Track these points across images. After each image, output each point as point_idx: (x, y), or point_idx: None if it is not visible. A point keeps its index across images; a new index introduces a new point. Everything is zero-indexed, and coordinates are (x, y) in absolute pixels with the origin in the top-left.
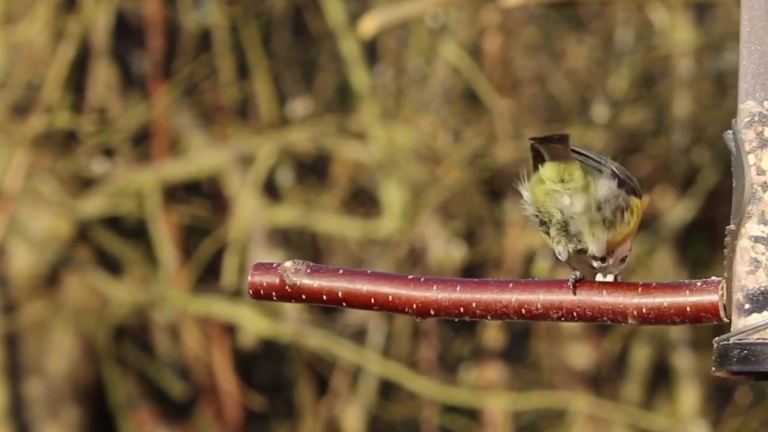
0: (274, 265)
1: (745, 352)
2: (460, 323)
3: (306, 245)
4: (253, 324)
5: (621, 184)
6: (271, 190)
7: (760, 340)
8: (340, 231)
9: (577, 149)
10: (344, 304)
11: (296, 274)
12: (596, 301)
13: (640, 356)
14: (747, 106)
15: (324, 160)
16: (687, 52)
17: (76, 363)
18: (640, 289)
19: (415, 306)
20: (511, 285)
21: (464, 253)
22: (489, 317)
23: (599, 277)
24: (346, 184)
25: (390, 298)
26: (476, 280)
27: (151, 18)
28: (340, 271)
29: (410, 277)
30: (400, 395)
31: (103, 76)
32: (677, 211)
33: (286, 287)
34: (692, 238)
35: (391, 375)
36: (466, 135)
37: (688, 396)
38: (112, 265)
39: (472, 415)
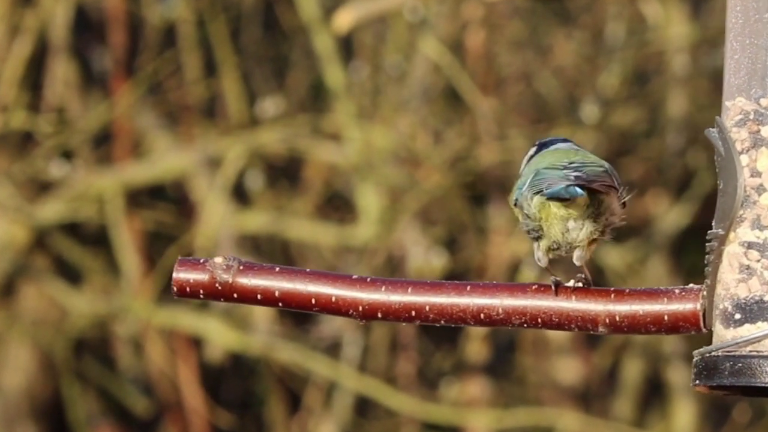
0: (202, 261)
1: (739, 365)
2: (442, 335)
3: (277, 253)
4: (221, 337)
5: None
6: (240, 195)
7: (754, 353)
8: (313, 238)
9: (600, 180)
10: (281, 304)
11: (227, 271)
12: (564, 307)
13: (632, 370)
14: (738, 103)
15: (296, 163)
16: (682, 48)
17: (33, 378)
18: (612, 295)
19: (360, 308)
20: (468, 288)
21: (445, 262)
22: (443, 322)
23: (570, 283)
24: (319, 188)
25: (333, 299)
26: (430, 281)
27: (113, 12)
28: (277, 269)
29: (356, 276)
30: (378, 412)
31: (61, 73)
32: (671, 216)
33: (216, 285)
34: (687, 245)
35: (368, 391)
36: (447, 136)
37: (683, 413)
38: (71, 275)
39: None
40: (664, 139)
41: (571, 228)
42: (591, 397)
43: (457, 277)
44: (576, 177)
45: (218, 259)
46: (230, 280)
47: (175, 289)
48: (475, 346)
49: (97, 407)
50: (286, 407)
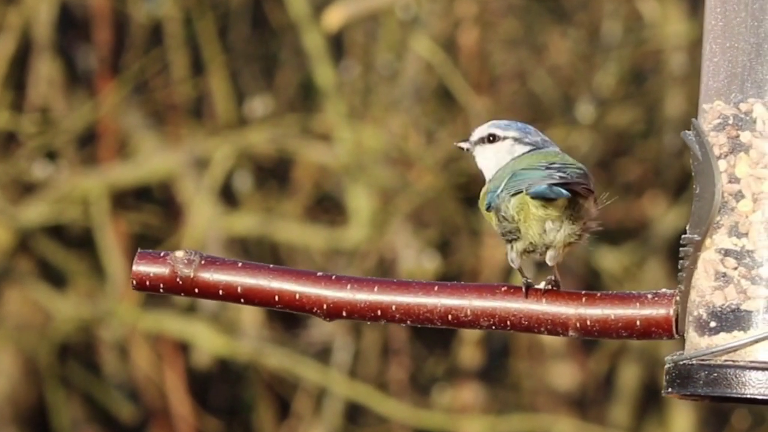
0: (163, 254)
1: (714, 374)
2: (435, 340)
3: (266, 255)
4: (208, 342)
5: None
6: (228, 196)
7: (729, 362)
8: (303, 240)
9: (581, 183)
10: (243, 300)
11: (189, 265)
12: (534, 310)
13: (629, 376)
14: (716, 107)
15: (285, 164)
16: (680, 46)
17: (17, 384)
18: (584, 299)
19: (325, 306)
20: (436, 288)
21: (438, 265)
22: (410, 322)
23: (541, 285)
24: (309, 190)
25: (297, 296)
26: (397, 280)
27: (98, 9)
28: (240, 264)
29: (320, 274)
30: (369, 419)
31: (45, 72)
32: (669, 218)
33: (177, 279)
34: None
35: (359, 397)
36: (439, 136)
37: (681, 419)
38: (55, 278)
39: None
40: (661, 140)
41: (548, 229)
42: (587, 403)
43: (450, 280)
44: (561, 177)
45: (179, 253)
46: (191, 275)
47: (134, 282)
48: (469, 351)
49: (81, 413)
50: (275, 413)
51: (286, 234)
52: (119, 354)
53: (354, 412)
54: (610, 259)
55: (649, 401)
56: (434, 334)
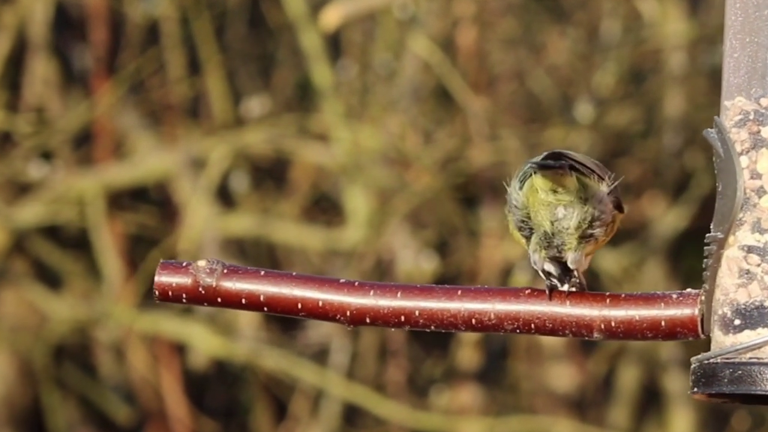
0: (185, 264)
1: (739, 372)
2: (432, 341)
3: (263, 256)
4: (205, 343)
5: (613, 199)
6: (224, 197)
7: (754, 359)
8: (300, 241)
9: (576, 159)
10: (266, 309)
11: (211, 274)
12: (558, 313)
13: (628, 377)
14: (737, 103)
15: (282, 164)
16: (679, 46)
17: (12, 385)
18: (608, 300)
19: (348, 313)
20: (459, 292)
21: (436, 265)
22: (433, 327)
23: (564, 287)
24: (306, 190)
25: (320, 303)
26: (419, 285)
27: (94, 9)
28: (262, 273)
29: (343, 280)
30: (366, 420)
31: (41, 72)
32: (669, 219)
33: (200, 289)
34: (685, 248)
35: (356, 398)
36: (438, 136)
37: (681, 421)
38: (51, 279)
39: None
40: (661, 140)
41: (561, 216)
42: (586, 405)
43: (448, 281)
44: (548, 154)
45: (201, 263)
46: (214, 284)
47: (157, 293)
48: (467, 352)
49: (77, 415)
50: (272, 415)
51: (283, 235)
52: (115, 355)
53: (351, 414)
54: (609, 260)
55: (649, 403)
56: (432, 336)
